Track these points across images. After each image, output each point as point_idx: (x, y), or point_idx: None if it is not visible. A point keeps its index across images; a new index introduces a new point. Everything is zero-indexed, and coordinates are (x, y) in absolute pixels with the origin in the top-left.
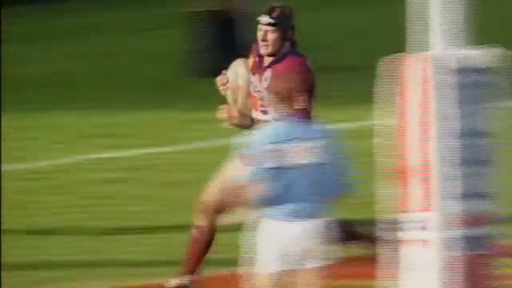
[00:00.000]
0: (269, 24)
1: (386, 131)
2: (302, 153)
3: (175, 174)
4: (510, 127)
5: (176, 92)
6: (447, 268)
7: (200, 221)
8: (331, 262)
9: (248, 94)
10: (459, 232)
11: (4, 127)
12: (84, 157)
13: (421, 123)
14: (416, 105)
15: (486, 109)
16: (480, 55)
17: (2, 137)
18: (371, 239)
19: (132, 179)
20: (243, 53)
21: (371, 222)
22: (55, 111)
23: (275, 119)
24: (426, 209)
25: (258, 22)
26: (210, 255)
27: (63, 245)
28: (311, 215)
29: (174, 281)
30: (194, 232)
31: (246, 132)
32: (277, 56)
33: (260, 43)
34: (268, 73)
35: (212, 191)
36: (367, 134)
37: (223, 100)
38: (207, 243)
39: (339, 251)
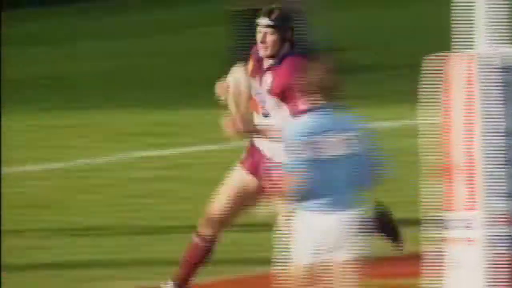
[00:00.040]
0: (268, 26)
1: (431, 130)
2: (337, 144)
3: (217, 173)
4: None
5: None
6: (491, 267)
7: (204, 229)
8: (366, 254)
9: (250, 98)
10: (503, 231)
11: (46, 126)
12: (126, 155)
13: (465, 121)
14: (460, 104)
15: None
16: None
17: (43, 136)
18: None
19: (174, 178)
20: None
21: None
22: (98, 110)
23: (309, 111)
24: (471, 208)
25: (257, 24)
26: (248, 254)
27: (105, 243)
28: (346, 206)
29: (170, 285)
30: (195, 239)
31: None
32: (277, 58)
33: (259, 45)
34: (268, 76)
35: (218, 202)
36: (411, 133)
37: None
38: (206, 252)
39: (374, 242)
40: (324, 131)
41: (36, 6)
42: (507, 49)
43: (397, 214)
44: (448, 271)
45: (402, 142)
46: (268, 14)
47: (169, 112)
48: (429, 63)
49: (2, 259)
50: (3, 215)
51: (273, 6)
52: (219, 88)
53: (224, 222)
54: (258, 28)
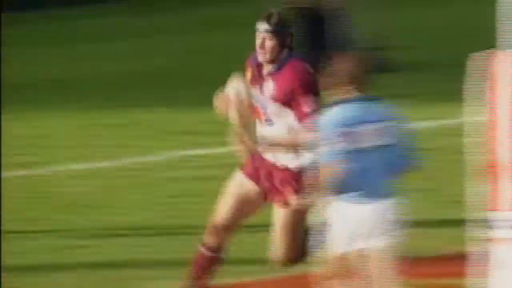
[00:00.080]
0: (267, 31)
1: (476, 129)
2: (371, 134)
3: None
4: None
5: None
6: None
7: (209, 238)
8: (400, 242)
9: (252, 107)
10: None
11: (93, 125)
12: (172, 154)
13: (511, 119)
14: (506, 102)
15: None
16: None
17: (89, 134)
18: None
19: (220, 177)
20: (334, 50)
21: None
22: (145, 108)
23: (342, 102)
24: None
25: (256, 29)
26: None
27: (150, 243)
28: (381, 196)
29: None
30: (200, 248)
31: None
32: (276, 64)
33: (258, 50)
34: (270, 82)
35: (221, 209)
36: (456, 132)
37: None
38: (212, 261)
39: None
40: (358, 122)
41: (74, 4)
42: None
43: (441, 214)
44: (492, 271)
45: (447, 141)
46: (267, 19)
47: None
48: (474, 61)
49: (48, 259)
50: (49, 215)
51: (272, 11)
52: (218, 101)
53: (229, 229)
54: (257, 33)
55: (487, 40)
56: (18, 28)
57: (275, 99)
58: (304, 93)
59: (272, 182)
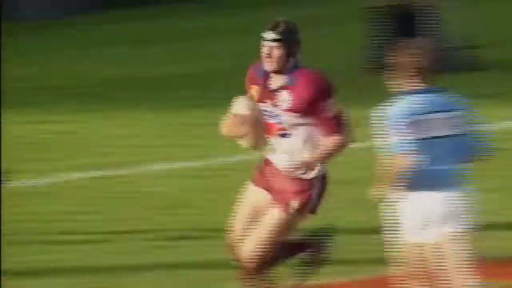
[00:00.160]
0: (274, 40)
1: None
2: (441, 123)
3: (348, 172)
4: None
5: (353, 89)
6: None
7: (233, 254)
8: (472, 228)
9: (264, 122)
10: None
11: (184, 124)
12: (255, 156)
13: None
14: None
15: None
16: None
17: (175, 134)
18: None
19: None
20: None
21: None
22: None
23: (411, 93)
24: None
25: (262, 38)
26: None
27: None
28: (451, 185)
29: None
30: (232, 262)
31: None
32: (285, 74)
33: (265, 59)
34: (284, 94)
35: (237, 222)
36: None
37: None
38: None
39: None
40: (426, 111)
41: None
42: None
43: None
44: None
45: None
46: (274, 28)
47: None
48: None
49: (134, 260)
50: (135, 215)
51: (279, 20)
52: (226, 126)
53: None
54: (263, 42)
55: None
56: (96, 28)
57: (294, 110)
58: (323, 99)
59: (276, 184)
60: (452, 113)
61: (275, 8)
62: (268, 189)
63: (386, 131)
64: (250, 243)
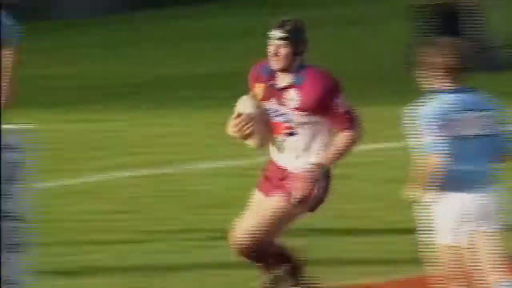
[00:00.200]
0: (281, 38)
1: None
2: (473, 123)
3: (392, 172)
4: None
5: (398, 87)
6: None
7: (252, 260)
8: (503, 228)
9: (270, 120)
10: None
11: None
12: None
13: None
14: None
15: None
16: None
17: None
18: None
19: (349, 176)
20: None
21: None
22: None
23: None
24: None
25: (269, 37)
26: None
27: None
28: (484, 184)
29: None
30: (257, 271)
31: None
32: (294, 73)
33: (272, 58)
34: (292, 93)
35: (243, 228)
36: None
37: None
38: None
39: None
40: (458, 110)
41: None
42: None
43: None
44: None
45: None
46: (281, 27)
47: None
48: None
49: (176, 259)
50: (178, 215)
51: (286, 19)
52: (231, 126)
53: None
54: (270, 41)
55: None
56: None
57: (302, 109)
58: (331, 97)
59: (281, 182)
60: (484, 113)
61: (323, 6)
62: (271, 191)
63: (419, 131)
64: (246, 223)
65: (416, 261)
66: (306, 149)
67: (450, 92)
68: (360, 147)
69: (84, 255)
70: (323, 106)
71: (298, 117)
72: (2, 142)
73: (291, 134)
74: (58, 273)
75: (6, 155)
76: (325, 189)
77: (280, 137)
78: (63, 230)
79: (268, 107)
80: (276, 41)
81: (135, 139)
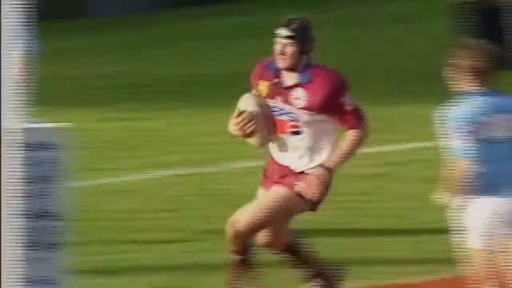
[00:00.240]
0: (287, 37)
1: None
2: (503, 125)
3: (430, 171)
4: None
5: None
6: None
7: (234, 246)
8: None
9: (274, 119)
10: None
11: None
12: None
13: None
14: None
15: None
16: None
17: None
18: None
19: (387, 175)
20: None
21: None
22: None
23: (470, 95)
24: None
25: (275, 35)
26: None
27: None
28: None
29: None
30: (233, 257)
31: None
32: (300, 72)
33: (278, 56)
34: (299, 92)
35: (246, 217)
36: None
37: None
38: (249, 264)
39: None
40: (488, 113)
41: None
42: None
43: None
44: None
45: None
46: (287, 25)
47: (385, 108)
48: None
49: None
50: (223, 214)
51: (292, 17)
52: (234, 124)
53: (250, 234)
54: (276, 39)
55: None
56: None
57: (309, 108)
58: (338, 95)
59: (282, 179)
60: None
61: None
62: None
63: (449, 134)
64: (247, 209)
65: (451, 261)
66: (311, 148)
67: (479, 94)
68: (396, 147)
69: (123, 254)
70: (330, 105)
71: (304, 116)
72: (41, 141)
73: (296, 132)
74: (95, 272)
75: (45, 154)
76: (327, 186)
77: (284, 136)
78: (101, 229)
79: (272, 105)
80: (282, 40)
81: (175, 137)
